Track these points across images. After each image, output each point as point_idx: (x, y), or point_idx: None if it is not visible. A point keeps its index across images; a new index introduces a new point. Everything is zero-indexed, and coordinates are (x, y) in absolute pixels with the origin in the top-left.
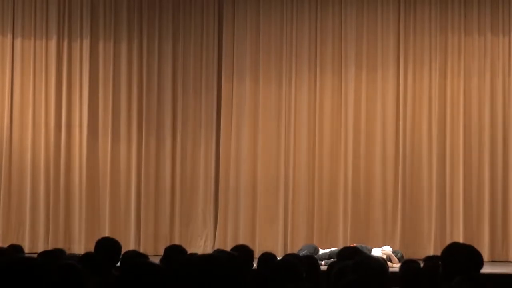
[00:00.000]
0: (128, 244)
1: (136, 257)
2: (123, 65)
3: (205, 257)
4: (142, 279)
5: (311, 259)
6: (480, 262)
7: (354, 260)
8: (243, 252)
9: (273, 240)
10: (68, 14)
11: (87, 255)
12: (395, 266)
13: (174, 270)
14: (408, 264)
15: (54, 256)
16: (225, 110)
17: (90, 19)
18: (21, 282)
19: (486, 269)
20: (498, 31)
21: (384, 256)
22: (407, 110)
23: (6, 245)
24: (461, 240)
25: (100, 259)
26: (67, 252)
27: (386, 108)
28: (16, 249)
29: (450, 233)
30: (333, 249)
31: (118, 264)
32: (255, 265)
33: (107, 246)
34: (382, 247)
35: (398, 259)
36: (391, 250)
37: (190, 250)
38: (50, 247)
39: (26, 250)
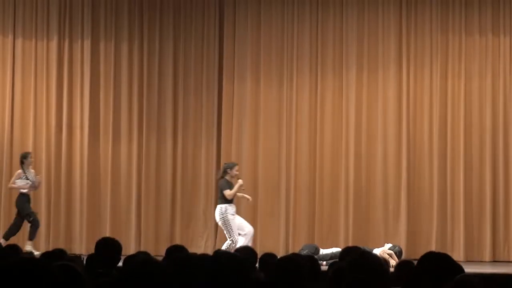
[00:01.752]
0: (129, 245)
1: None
2: (124, 66)
3: (208, 258)
4: (144, 280)
5: (311, 259)
6: (457, 270)
7: (353, 259)
8: (246, 253)
9: (274, 240)
10: (69, 14)
11: (90, 256)
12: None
13: (177, 270)
14: (403, 266)
15: (55, 257)
16: (226, 110)
17: (91, 19)
18: (22, 283)
19: (488, 269)
20: (499, 31)
21: (385, 256)
22: (409, 111)
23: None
24: (461, 240)
25: (100, 259)
26: (68, 252)
27: (387, 109)
28: (13, 249)
29: (451, 234)
30: (334, 249)
31: (119, 264)
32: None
33: (108, 246)
34: (385, 244)
35: (395, 252)
36: (390, 245)
37: (191, 250)
38: (51, 247)
39: None
